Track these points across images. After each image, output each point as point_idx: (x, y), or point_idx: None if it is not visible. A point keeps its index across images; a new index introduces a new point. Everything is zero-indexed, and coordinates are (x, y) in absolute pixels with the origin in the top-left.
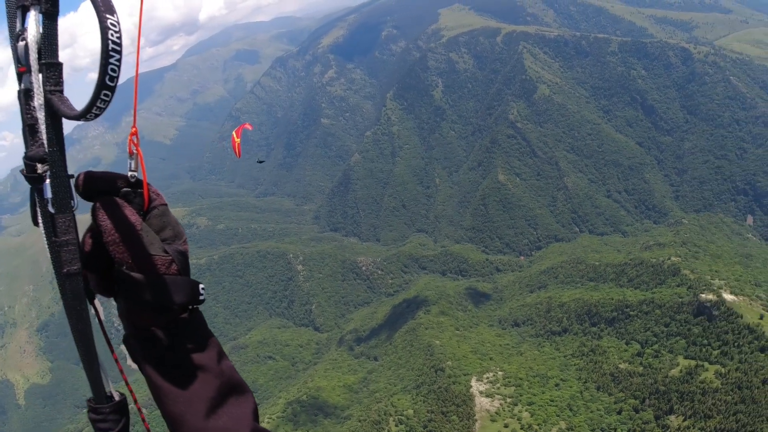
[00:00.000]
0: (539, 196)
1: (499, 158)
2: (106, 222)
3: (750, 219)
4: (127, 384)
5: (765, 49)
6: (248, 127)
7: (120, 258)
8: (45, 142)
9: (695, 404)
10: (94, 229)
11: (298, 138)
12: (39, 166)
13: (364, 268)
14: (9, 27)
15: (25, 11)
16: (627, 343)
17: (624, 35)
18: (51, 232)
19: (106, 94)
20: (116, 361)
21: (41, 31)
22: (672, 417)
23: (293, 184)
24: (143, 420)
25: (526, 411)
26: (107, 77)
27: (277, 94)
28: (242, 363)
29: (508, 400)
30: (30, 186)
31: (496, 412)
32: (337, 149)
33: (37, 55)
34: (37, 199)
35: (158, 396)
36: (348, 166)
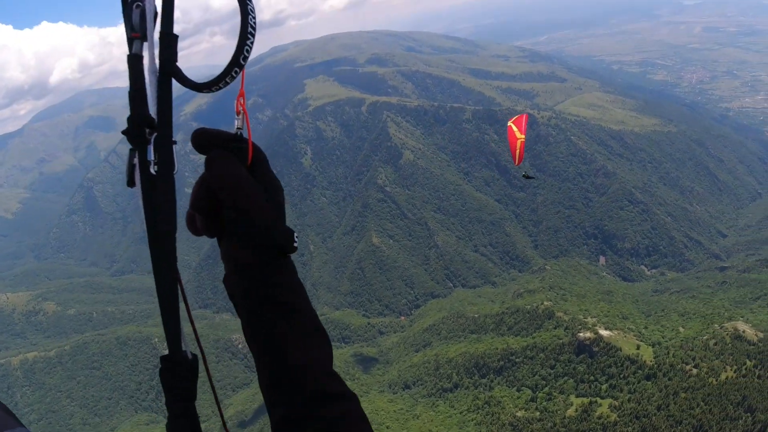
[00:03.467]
0: (413, 256)
1: (372, 222)
2: (217, 171)
3: (602, 259)
4: (199, 344)
5: (597, 111)
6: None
7: (228, 203)
8: (155, 107)
9: None
10: (206, 177)
11: None
12: (147, 130)
13: (240, 345)
14: None
15: None
16: (518, 390)
17: (476, 104)
18: (149, 192)
19: (236, 71)
20: (192, 322)
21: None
22: None
23: None
24: (210, 379)
25: None
26: (242, 56)
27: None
28: None
29: None
30: (131, 147)
31: None
32: None
33: (152, 23)
34: (138, 161)
35: (248, 331)
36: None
